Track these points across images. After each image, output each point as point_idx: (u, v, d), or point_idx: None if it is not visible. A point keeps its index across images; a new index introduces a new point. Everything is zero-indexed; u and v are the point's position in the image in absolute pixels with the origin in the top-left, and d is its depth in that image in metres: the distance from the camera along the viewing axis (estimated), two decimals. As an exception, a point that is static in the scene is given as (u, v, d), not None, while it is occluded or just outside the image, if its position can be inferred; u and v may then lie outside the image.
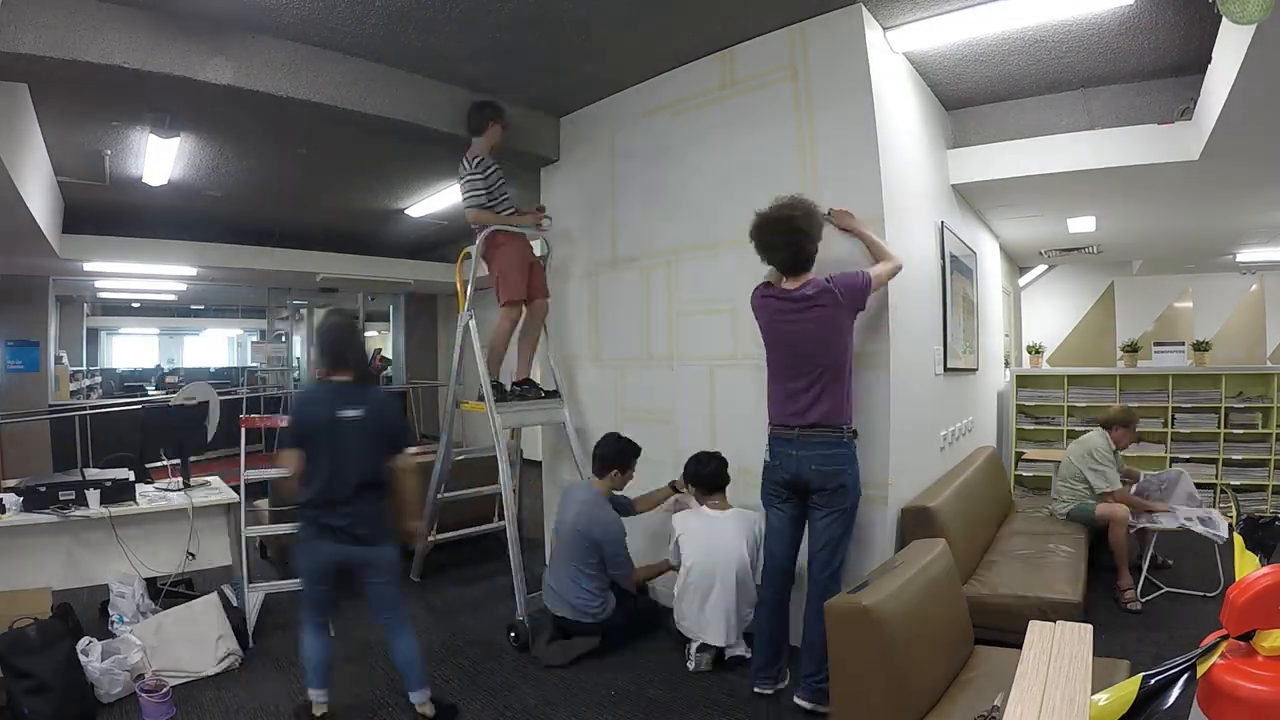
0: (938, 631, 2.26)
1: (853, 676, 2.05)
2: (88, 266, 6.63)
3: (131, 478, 3.33)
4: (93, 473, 3.36)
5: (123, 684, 2.74)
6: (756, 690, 2.76)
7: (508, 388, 3.88)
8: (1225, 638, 1.53)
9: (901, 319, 3.05)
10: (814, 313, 2.56)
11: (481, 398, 3.68)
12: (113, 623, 3.04)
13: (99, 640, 2.84)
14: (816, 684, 2.54)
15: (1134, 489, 4.12)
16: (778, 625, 2.76)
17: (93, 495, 3.11)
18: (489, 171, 3.67)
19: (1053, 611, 2.70)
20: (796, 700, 2.62)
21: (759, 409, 3.24)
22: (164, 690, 2.68)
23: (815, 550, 2.62)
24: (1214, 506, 5.17)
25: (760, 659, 2.78)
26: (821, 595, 2.50)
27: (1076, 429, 5.74)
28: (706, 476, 3.15)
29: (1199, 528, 3.67)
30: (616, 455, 3.36)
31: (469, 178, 3.64)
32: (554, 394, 4.06)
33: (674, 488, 3.47)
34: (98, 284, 8.93)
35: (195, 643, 3.00)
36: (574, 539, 3.22)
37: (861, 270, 2.67)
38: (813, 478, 2.57)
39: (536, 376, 4.49)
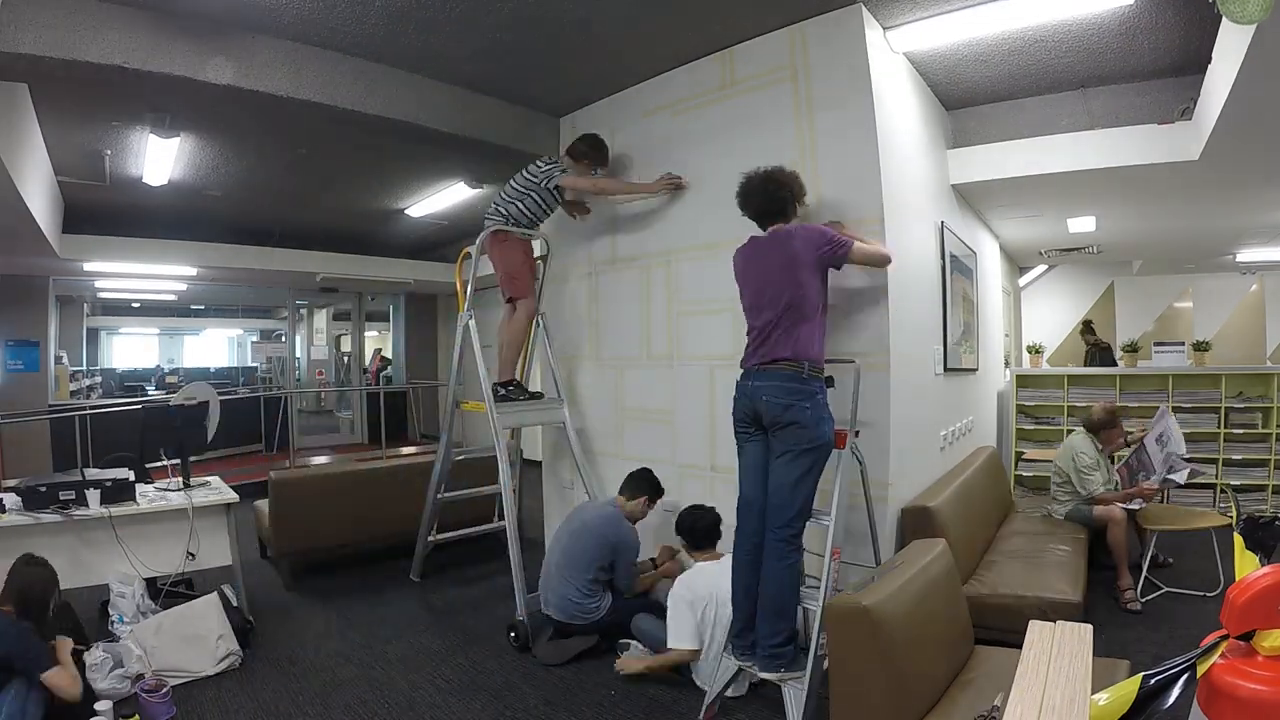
0: (938, 631, 2.27)
1: (853, 676, 2.05)
2: (88, 266, 6.63)
3: (131, 478, 3.33)
4: (93, 473, 3.35)
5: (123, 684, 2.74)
6: (739, 662, 2.55)
7: (506, 389, 3.88)
8: (1225, 638, 1.53)
9: (901, 319, 3.05)
10: (778, 248, 2.58)
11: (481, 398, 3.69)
12: (113, 623, 3.03)
13: (99, 640, 2.86)
14: (773, 648, 2.41)
15: (1135, 462, 4.16)
16: (753, 580, 2.54)
17: (93, 495, 3.11)
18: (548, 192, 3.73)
19: (1053, 611, 2.70)
20: (758, 674, 2.47)
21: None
22: (164, 690, 2.67)
23: (769, 496, 2.50)
24: (1214, 506, 5.21)
25: (737, 623, 2.58)
26: (775, 549, 2.44)
27: (1077, 429, 5.74)
28: (702, 530, 3.09)
29: (1179, 476, 3.77)
30: (651, 487, 3.37)
31: (547, 174, 3.68)
32: (537, 395, 4.09)
33: (670, 552, 3.48)
34: (98, 284, 8.92)
35: (195, 643, 3.00)
36: (587, 542, 3.22)
37: (835, 231, 2.63)
38: (764, 410, 2.47)
39: (536, 376, 4.51)
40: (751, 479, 2.59)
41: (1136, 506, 3.85)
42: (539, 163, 3.75)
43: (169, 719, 2.65)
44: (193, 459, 3.62)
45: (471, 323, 3.80)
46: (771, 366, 2.49)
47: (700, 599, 2.85)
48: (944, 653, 2.28)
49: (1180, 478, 3.77)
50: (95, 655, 2.74)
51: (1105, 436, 4.16)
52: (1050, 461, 5.34)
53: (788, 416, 2.43)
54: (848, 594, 2.13)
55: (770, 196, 2.66)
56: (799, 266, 2.51)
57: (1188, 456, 3.91)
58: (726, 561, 2.88)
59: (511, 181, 3.79)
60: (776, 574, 2.45)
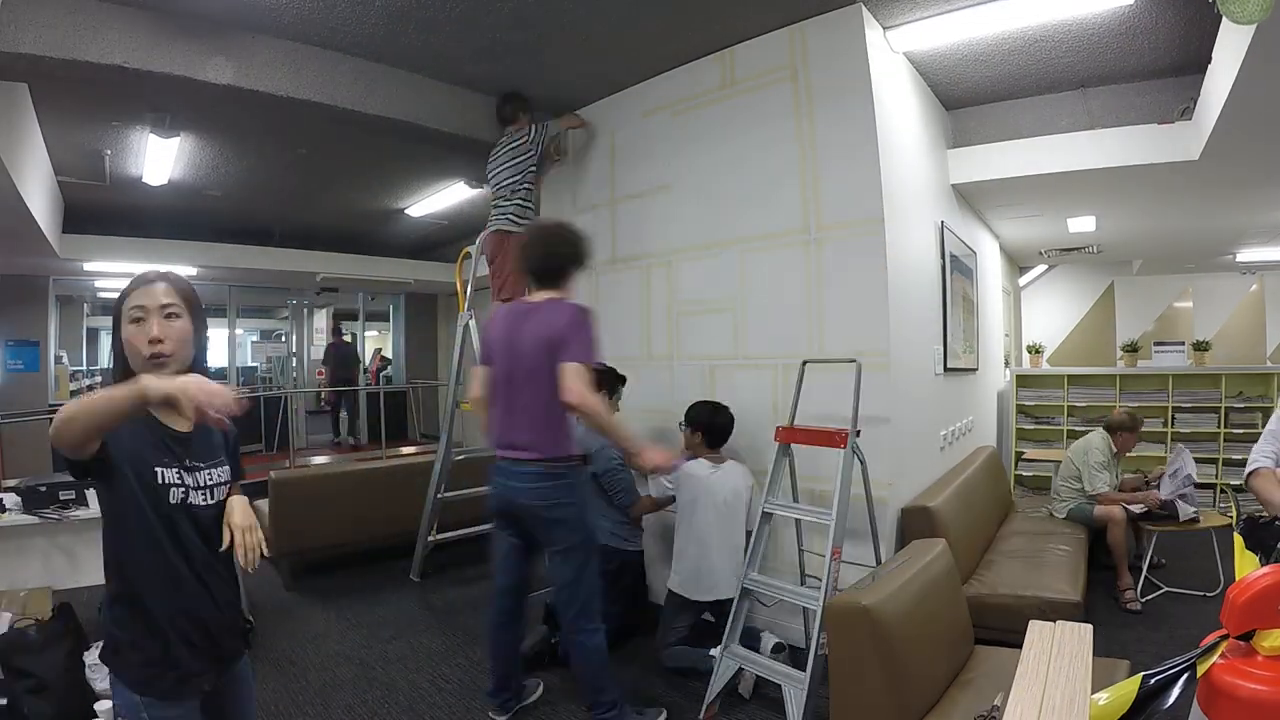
0: (938, 631, 2.27)
1: (853, 676, 2.05)
2: (88, 266, 6.63)
3: (131, 477, 3.32)
4: (93, 473, 3.35)
5: (123, 684, 2.74)
6: (491, 715, 2.63)
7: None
8: (1225, 637, 1.53)
9: (901, 319, 3.05)
10: (544, 320, 2.33)
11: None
12: (113, 623, 3.03)
13: (99, 640, 2.84)
14: (601, 714, 2.43)
15: (1153, 485, 4.13)
16: (510, 641, 2.61)
17: (93, 495, 3.11)
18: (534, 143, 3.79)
19: (1053, 611, 2.71)
20: None
21: (758, 409, 3.25)
22: (164, 690, 2.67)
23: (556, 591, 2.49)
24: (1214, 507, 5.20)
25: (492, 680, 2.64)
26: (570, 635, 2.45)
27: (1076, 429, 5.75)
28: (720, 425, 3.10)
29: (1182, 506, 3.76)
30: (613, 376, 3.37)
31: (517, 144, 3.75)
32: None
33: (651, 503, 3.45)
34: (98, 284, 8.91)
35: (195, 643, 2.99)
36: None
37: (588, 354, 2.30)
38: (526, 512, 2.40)
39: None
40: (504, 568, 2.57)
41: (1138, 510, 3.85)
42: (513, 141, 3.77)
43: (169, 719, 2.64)
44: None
45: (471, 322, 3.80)
46: (527, 460, 2.36)
47: (684, 501, 3.03)
48: (944, 653, 2.28)
49: (1184, 512, 3.75)
50: (95, 655, 2.74)
51: (1120, 440, 4.13)
52: (1050, 461, 5.36)
53: (555, 515, 2.37)
54: (848, 594, 2.13)
55: (549, 258, 2.44)
56: (557, 348, 2.27)
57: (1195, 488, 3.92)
58: (730, 466, 3.06)
59: (499, 180, 3.77)
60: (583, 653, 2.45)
